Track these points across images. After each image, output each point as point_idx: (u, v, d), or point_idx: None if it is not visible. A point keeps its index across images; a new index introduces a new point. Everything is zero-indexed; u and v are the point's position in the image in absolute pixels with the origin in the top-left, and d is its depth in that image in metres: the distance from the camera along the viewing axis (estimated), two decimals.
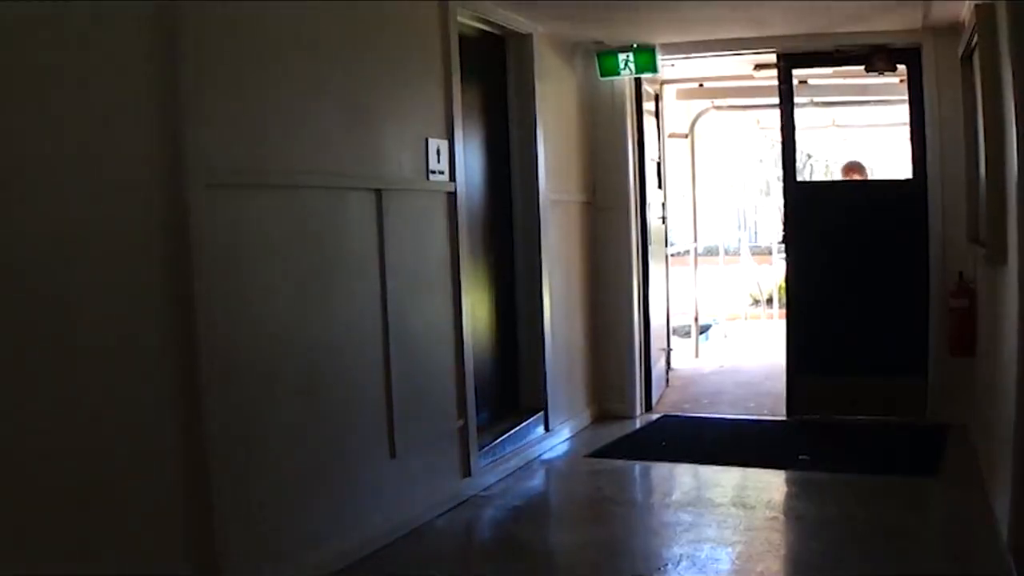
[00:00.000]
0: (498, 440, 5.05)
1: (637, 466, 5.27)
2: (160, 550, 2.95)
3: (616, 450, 5.51)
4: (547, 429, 5.58)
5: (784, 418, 6.11)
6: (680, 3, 5.18)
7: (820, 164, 17.10)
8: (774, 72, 6.22)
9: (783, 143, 6.22)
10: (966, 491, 4.43)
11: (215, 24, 3.17)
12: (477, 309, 4.99)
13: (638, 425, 6.15)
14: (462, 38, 4.69)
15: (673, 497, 4.69)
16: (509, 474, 5.03)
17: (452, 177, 4.54)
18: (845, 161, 7.94)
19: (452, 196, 4.54)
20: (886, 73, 5.92)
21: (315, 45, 3.67)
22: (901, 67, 5.88)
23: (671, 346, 7.70)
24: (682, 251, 9.31)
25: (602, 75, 6.10)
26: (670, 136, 8.16)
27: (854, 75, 6.83)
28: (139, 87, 2.93)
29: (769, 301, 11.08)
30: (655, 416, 6.33)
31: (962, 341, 5.26)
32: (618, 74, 6.08)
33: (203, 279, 3.08)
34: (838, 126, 10.97)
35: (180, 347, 3.03)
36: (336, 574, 3.63)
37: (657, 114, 7.18)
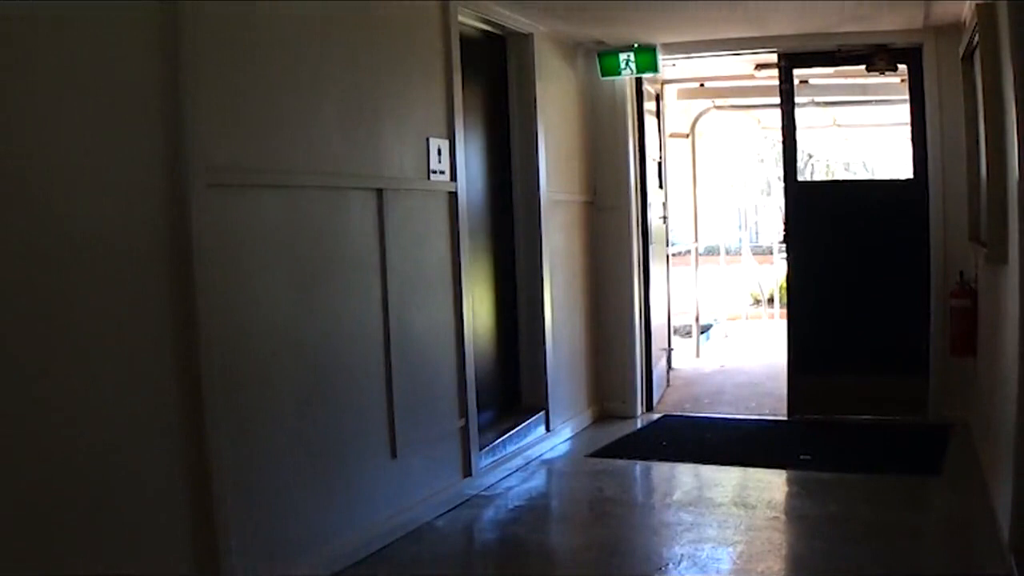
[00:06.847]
0: (499, 440, 5.05)
1: (638, 466, 5.27)
2: (162, 550, 2.95)
3: (617, 450, 5.51)
4: (548, 429, 5.58)
5: (785, 418, 6.11)
6: (681, 3, 5.18)
7: (821, 164, 17.12)
8: (775, 72, 6.22)
9: (784, 143, 6.23)
10: (967, 490, 4.43)
11: (215, 24, 3.17)
12: (478, 309, 4.99)
13: (639, 425, 6.14)
14: (463, 38, 4.69)
15: (674, 497, 4.69)
16: (510, 474, 5.03)
17: (453, 177, 4.54)
18: None
19: (453, 196, 4.55)
20: (887, 73, 5.92)
21: (316, 45, 3.67)
22: (902, 67, 5.88)
23: (672, 346, 7.70)
24: (683, 251, 9.30)
25: (603, 75, 6.10)
26: (671, 136, 8.17)
27: (855, 75, 6.84)
28: (140, 87, 2.93)
29: (770, 301, 11.07)
30: (656, 416, 6.33)
31: (963, 340, 5.26)
32: (619, 74, 6.08)
33: (203, 279, 3.07)
34: (839, 126, 10.98)
35: (181, 347, 3.03)
36: (337, 574, 3.64)
37: (658, 114, 7.18)
